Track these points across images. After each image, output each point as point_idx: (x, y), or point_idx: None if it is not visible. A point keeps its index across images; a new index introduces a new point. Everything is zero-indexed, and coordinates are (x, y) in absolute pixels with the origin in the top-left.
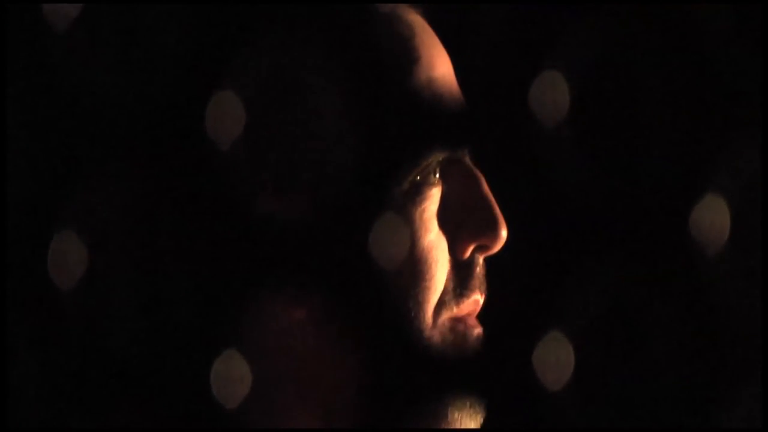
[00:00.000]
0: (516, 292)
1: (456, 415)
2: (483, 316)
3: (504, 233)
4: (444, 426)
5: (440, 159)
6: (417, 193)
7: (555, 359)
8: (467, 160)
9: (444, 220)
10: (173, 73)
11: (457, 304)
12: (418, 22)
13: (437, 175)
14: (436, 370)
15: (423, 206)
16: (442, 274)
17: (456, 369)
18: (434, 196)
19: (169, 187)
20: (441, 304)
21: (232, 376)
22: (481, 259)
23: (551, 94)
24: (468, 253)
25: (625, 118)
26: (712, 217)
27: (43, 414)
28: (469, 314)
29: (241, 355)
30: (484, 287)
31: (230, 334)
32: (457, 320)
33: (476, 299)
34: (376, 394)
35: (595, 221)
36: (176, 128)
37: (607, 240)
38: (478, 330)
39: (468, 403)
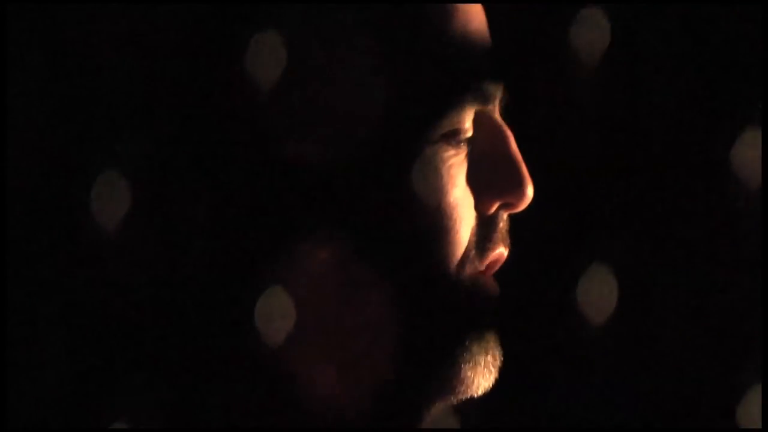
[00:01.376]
0: (558, 229)
1: (480, 359)
2: (521, 258)
3: (530, 192)
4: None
5: (472, 111)
6: (447, 145)
7: (598, 293)
8: (497, 115)
9: (471, 176)
10: (215, 12)
11: (480, 258)
12: None
13: (468, 125)
14: (457, 321)
15: (451, 161)
16: (467, 231)
17: (476, 319)
18: (462, 150)
19: (211, 128)
20: (464, 259)
21: (276, 313)
22: (505, 215)
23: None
24: (493, 210)
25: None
26: (752, 153)
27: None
28: (490, 267)
29: (285, 292)
30: (507, 242)
31: (272, 273)
32: (476, 277)
33: (500, 252)
34: (402, 340)
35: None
36: (217, 69)
37: (648, 180)
38: (495, 292)
39: (489, 347)
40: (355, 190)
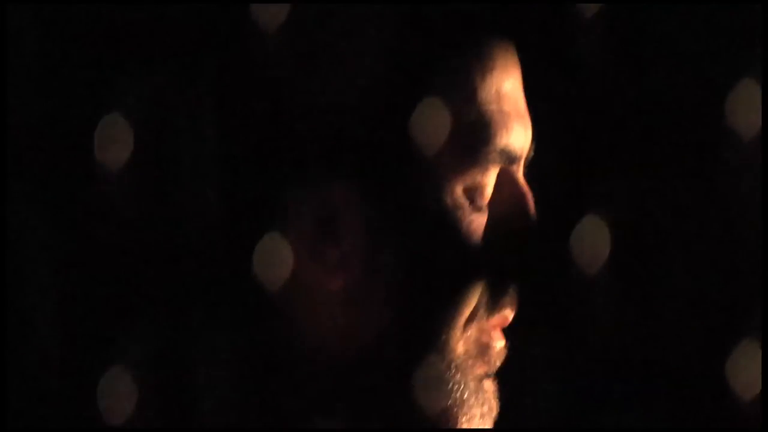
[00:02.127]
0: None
1: (476, 411)
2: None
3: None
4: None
5: (496, 169)
6: (469, 201)
7: (592, 243)
8: (520, 175)
9: (487, 235)
10: None
11: (488, 317)
12: None
13: (489, 183)
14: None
15: (470, 218)
16: (479, 288)
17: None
18: (483, 211)
19: (214, 72)
20: (472, 317)
21: (274, 259)
22: None
23: None
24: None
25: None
26: (747, 103)
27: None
28: (496, 326)
29: (283, 238)
30: (515, 303)
31: (272, 218)
32: (482, 332)
33: (505, 315)
34: (404, 291)
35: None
36: (223, 15)
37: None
38: (501, 342)
39: (486, 398)
40: (365, 128)
